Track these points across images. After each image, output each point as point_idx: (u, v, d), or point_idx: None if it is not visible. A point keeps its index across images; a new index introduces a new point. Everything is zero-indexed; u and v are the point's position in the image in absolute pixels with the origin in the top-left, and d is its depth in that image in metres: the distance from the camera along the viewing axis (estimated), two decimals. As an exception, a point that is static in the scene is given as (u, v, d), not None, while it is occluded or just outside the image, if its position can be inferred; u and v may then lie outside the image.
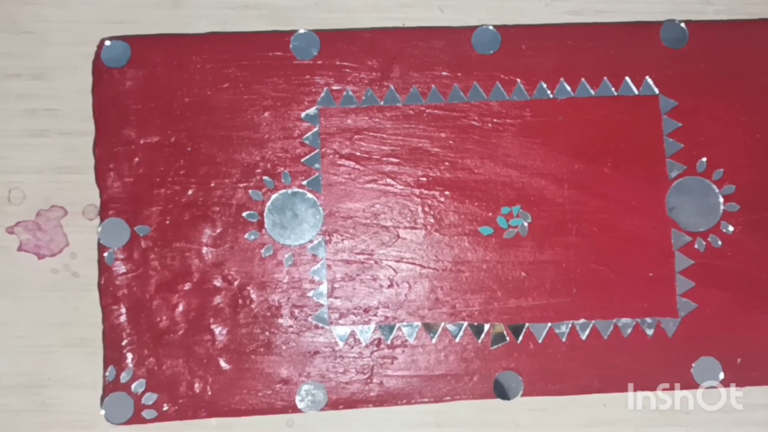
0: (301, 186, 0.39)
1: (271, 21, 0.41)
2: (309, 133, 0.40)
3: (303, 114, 0.40)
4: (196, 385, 0.38)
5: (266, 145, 0.39)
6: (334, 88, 0.40)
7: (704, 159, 0.41)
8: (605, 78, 0.41)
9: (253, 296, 0.39)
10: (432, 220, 0.40)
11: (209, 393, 0.38)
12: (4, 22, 0.40)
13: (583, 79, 0.41)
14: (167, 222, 0.39)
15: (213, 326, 0.38)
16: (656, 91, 0.41)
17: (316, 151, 0.40)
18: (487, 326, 0.39)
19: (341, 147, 0.40)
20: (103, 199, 0.39)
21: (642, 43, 0.41)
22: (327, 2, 0.41)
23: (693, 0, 0.43)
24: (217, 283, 0.39)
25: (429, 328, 0.39)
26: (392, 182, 0.40)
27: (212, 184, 0.39)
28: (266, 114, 0.40)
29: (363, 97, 0.40)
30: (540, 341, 0.39)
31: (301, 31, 0.40)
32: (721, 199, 0.40)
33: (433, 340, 0.39)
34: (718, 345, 0.39)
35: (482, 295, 0.39)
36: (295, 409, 0.38)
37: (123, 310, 0.38)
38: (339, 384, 0.38)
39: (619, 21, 0.42)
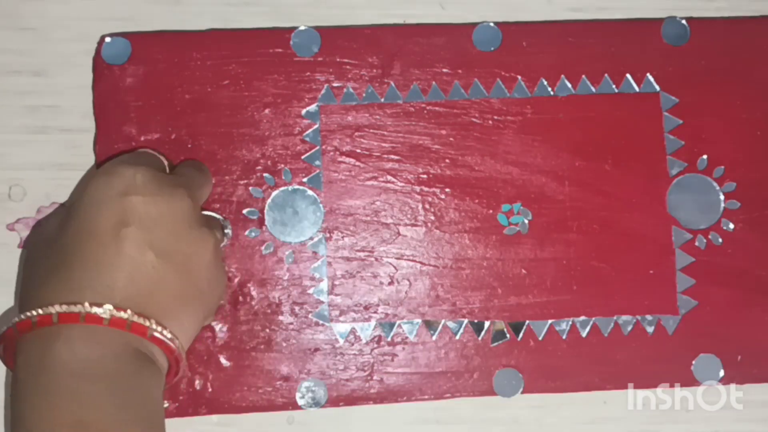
0: (301, 183, 0.39)
1: (272, 18, 0.41)
2: (309, 130, 0.40)
3: (303, 111, 0.40)
4: (197, 382, 0.38)
5: (267, 142, 0.39)
6: (335, 85, 0.40)
7: (705, 156, 0.40)
8: (606, 75, 0.41)
9: (254, 293, 0.39)
10: (432, 218, 0.40)
11: (210, 390, 0.38)
12: (4, 19, 0.40)
13: (584, 76, 0.41)
14: (168, 219, 0.39)
15: (213, 323, 0.38)
16: (657, 88, 0.41)
17: (317, 148, 0.40)
18: (487, 323, 0.39)
19: (342, 144, 0.40)
20: (104, 196, 0.39)
21: (643, 40, 0.41)
22: (327, -1, 0.41)
23: (694, -3, 0.43)
24: (218, 280, 0.39)
25: (429, 325, 0.39)
26: (393, 179, 0.40)
27: (212, 181, 0.39)
28: (267, 111, 0.40)
29: (363, 94, 0.40)
30: (540, 338, 0.39)
31: (302, 27, 0.40)
32: (722, 197, 0.40)
33: (434, 338, 0.39)
34: (718, 342, 0.39)
35: (483, 292, 0.39)
36: (295, 406, 0.38)
37: (123, 306, 0.38)
38: (339, 381, 0.38)
39: (620, 18, 0.42)
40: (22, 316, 0.29)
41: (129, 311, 0.30)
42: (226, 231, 0.38)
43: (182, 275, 0.32)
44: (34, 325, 0.29)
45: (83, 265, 0.30)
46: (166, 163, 0.37)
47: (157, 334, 0.30)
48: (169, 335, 0.31)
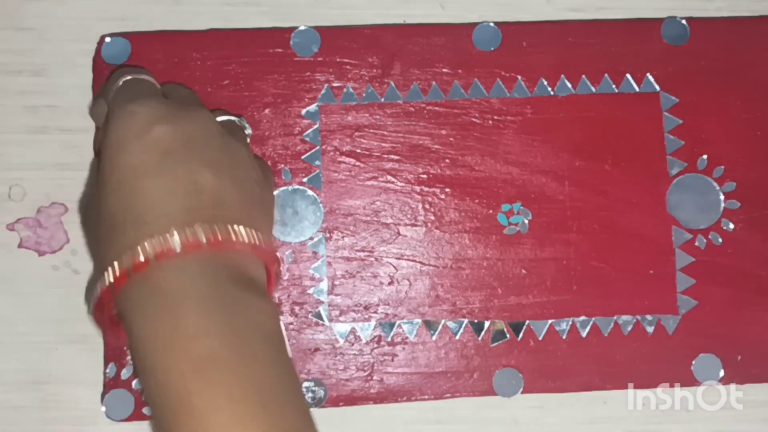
0: (301, 183, 0.39)
1: (272, 18, 0.41)
2: (309, 130, 0.40)
3: (303, 111, 0.40)
4: (197, 381, 0.38)
5: (267, 141, 0.39)
6: (335, 85, 0.40)
7: (705, 156, 0.40)
8: (606, 75, 0.41)
9: (254, 293, 0.39)
10: (432, 218, 0.40)
11: (210, 390, 0.38)
12: (4, 19, 0.40)
13: (583, 76, 0.41)
14: (168, 219, 0.39)
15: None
16: (657, 88, 0.41)
17: (317, 148, 0.40)
18: (487, 323, 0.39)
19: (342, 144, 0.40)
20: (104, 196, 0.39)
21: (643, 40, 0.41)
22: (327, -1, 0.41)
23: (694, -3, 0.43)
24: (218, 280, 0.39)
25: (429, 325, 0.39)
26: (393, 179, 0.40)
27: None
28: (267, 111, 0.40)
29: (363, 94, 0.40)
30: (540, 338, 0.39)
31: (302, 27, 0.40)
32: (722, 197, 0.40)
33: (434, 338, 0.39)
34: (718, 342, 0.39)
35: (483, 292, 0.39)
36: (295, 406, 0.38)
37: (123, 306, 0.38)
38: (339, 381, 0.38)
39: (620, 18, 0.42)
40: (98, 287, 0.28)
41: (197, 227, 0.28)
42: (246, 132, 0.37)
43: (236, 182, 0.31)
44: (111, 285, 0.28)
45: (138, 208, 0.29)
46: (158, 86, 0.35)
47: (235, 237, 0.29)
48: (245, 231, 0.29)
